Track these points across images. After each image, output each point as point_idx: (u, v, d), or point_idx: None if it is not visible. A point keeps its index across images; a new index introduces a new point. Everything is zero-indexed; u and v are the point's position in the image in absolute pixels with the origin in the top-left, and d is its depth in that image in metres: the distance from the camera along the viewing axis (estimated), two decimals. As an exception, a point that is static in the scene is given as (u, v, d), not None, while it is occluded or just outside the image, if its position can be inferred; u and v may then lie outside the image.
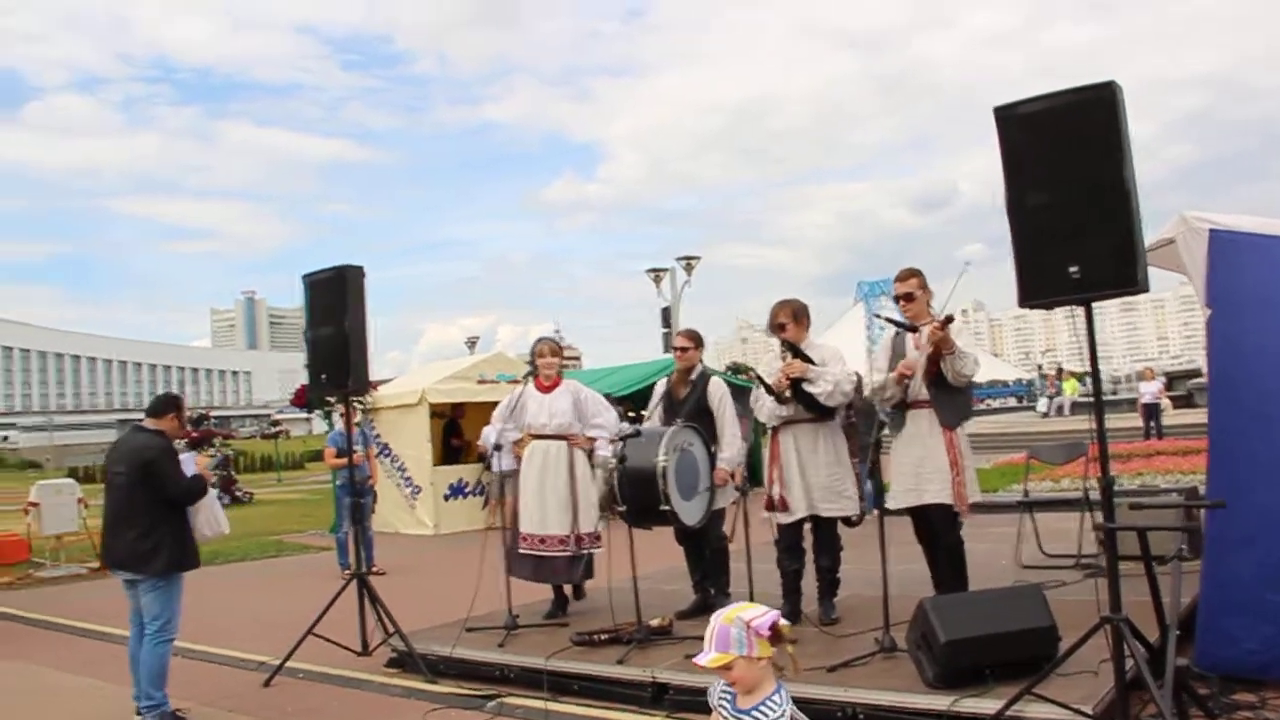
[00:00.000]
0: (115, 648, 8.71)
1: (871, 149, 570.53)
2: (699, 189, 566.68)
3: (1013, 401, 56.31)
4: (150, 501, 6.28)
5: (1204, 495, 5.93)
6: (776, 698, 3.03)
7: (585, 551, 7.39)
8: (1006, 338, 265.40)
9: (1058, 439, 15.30)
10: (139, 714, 6.25)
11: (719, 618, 3.03)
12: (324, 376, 7.51)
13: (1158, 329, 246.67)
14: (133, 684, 6.38)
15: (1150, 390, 24.76)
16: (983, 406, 52.34)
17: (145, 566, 6.32)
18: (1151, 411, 24.19)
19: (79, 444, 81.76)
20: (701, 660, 3.02)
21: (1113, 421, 25.73)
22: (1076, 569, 7.65)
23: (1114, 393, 40.31)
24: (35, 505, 14.32)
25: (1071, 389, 35.84)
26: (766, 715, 3.00)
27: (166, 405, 6.61)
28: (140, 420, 6.64)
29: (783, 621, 3.02)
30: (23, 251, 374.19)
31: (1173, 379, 31.88)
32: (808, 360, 6.50)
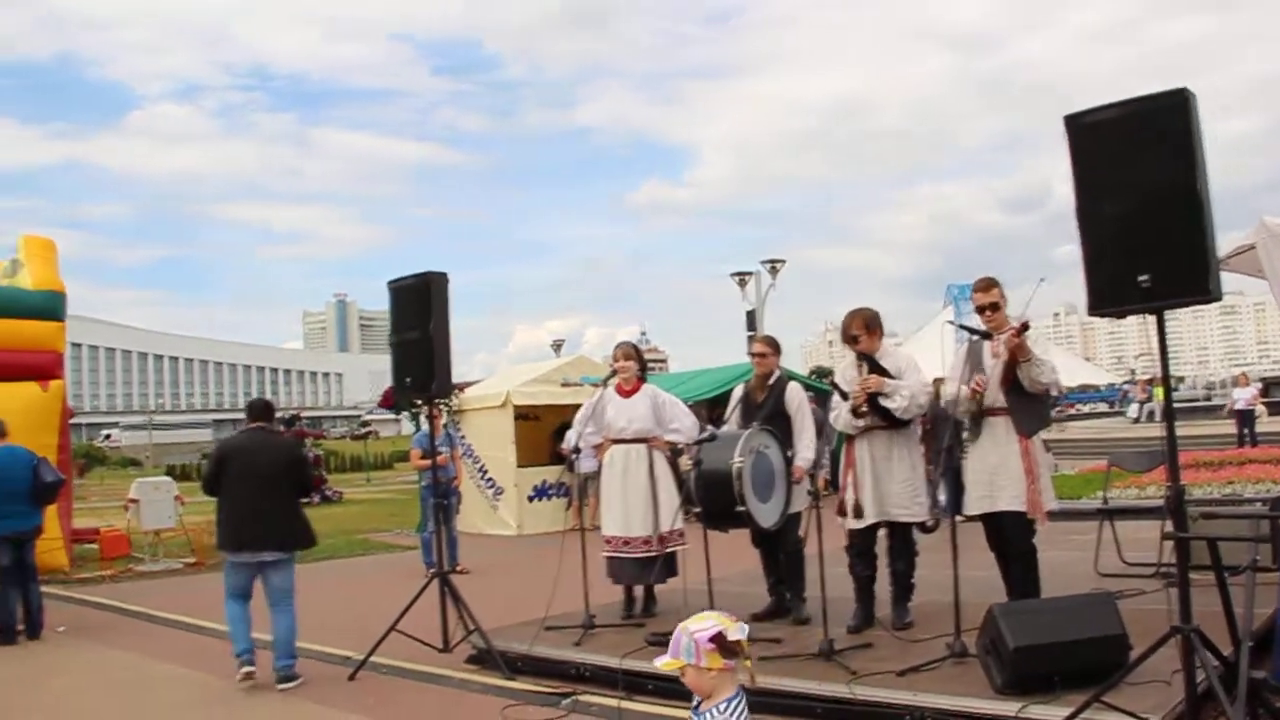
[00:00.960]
0: (209, 640, 9.05)
1: (965, 150, 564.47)
2: (789, 191, 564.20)
3: (1103, 407, 55.28)
4: (292, 491, 7.58)
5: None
6: (723, 705, 3.18)
7: (669, 550, 7.49)
8: (1099, 341, 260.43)
9: (1142, 446, 15.05)
10: (246, 664, 7.22)
11: (680, 625, 3.20)
12: (408, 380, 7.71)
13: (1259, 333, 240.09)
14: (236, 641, 7.31)
15: (1244, 396, 24.21)
16: (1072, 411, 51.51)
17: (287, 546, 7.46)
18: (1245, 418, 23.65)
19: (177, 443, 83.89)
20: (657, 663, 3.25)
21: (1206, 428, 25.28)
22: (1156, 578, 7.56)
23: (1208, 398, 39.50)
24: (135, 502, 14.81)
25: (1161, 395, 35.17)
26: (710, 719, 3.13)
27: (271, 409, 8.00)
28: (239, 420, 7.41)
29: (734, 635, 3.14)
30: (128, 256, 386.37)
31: (1269, 385, 31.13)
32: (884, 373, 6.54)
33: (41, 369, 13.65)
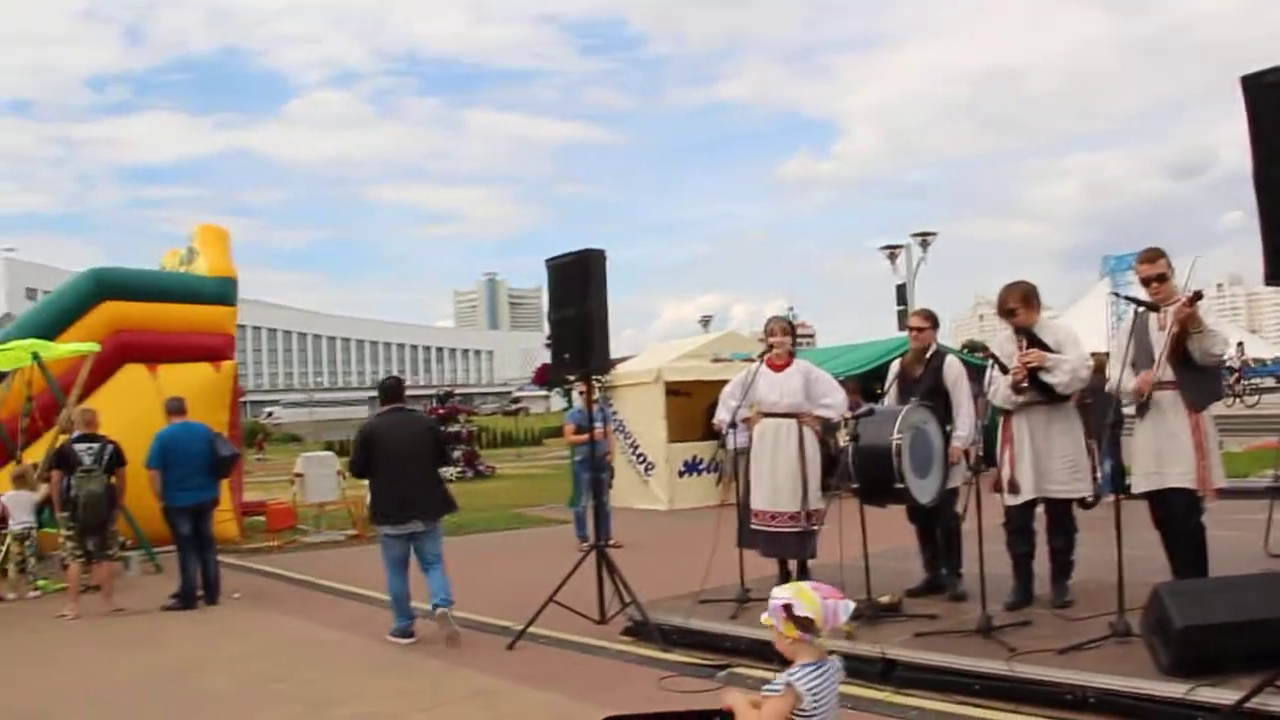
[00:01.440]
0: (371, 608, 9.39)
1: (1123, 115, 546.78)
2: (938, 162, 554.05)
3: (1270, 382, 52.91)
4: (434, 464, 8.42)
5: None
6: (796, 670, 3.26)
7: (815, 527, 7.50)
8: (1266, 313, 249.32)
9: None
10: (407, 635, 7.93)
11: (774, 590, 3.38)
12: (566, 356, 7.85)
13: None
14: (399, 616, 8.01)
15: None
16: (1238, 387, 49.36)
17: (436, 515, 8.22)
18: None
19: (335, 419, 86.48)
20: (761, 618, 3.40)
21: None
22: (1333, 559, 7.29)
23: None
24: (300, 476, 15.42)
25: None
26: (775, 682, 3.27)
27: (402, 387, 8.57)
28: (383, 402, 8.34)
29: (802, 611, 3.23)
30: (288, 239, 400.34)
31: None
32: (1044, 347, 6.43)
33: (215, 350, 14.33)
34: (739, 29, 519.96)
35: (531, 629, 7.56)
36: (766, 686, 3.32)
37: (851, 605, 3.33)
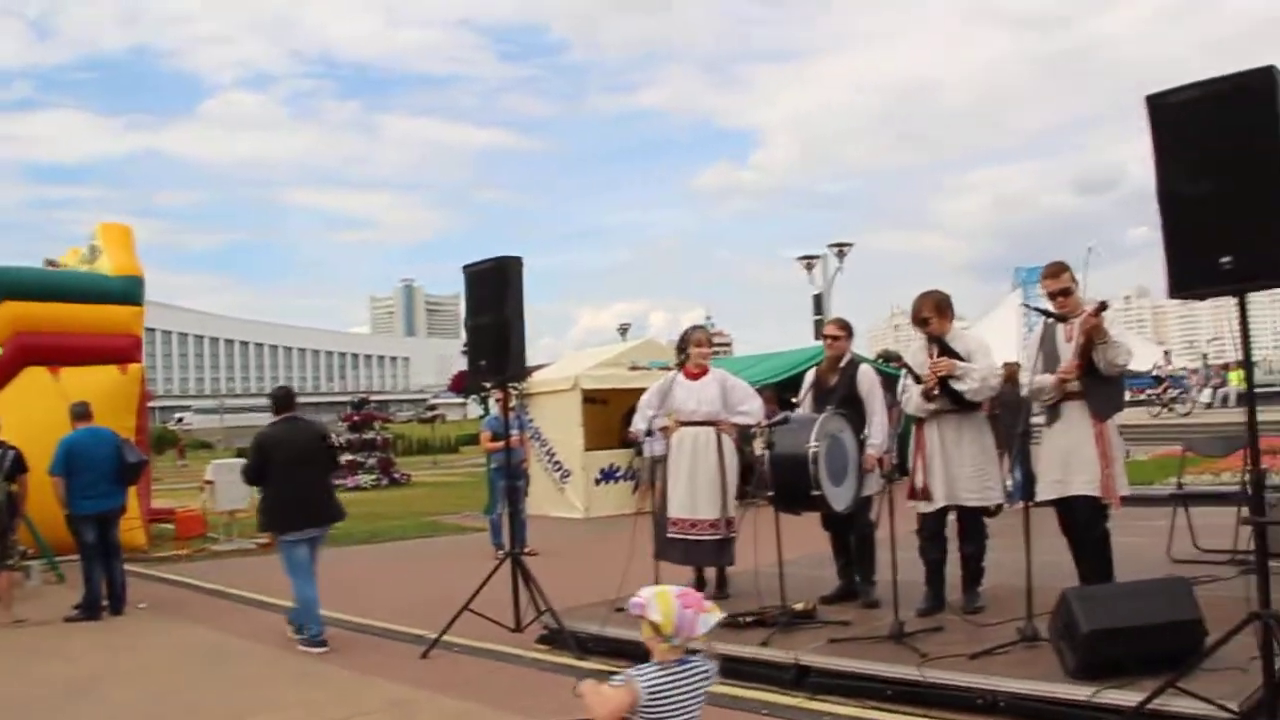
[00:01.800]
0: (280, 618, 9.22)
1: (1034, 131, 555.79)
2: (854, 174, 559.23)
3: (1175, 392, 54.16)
4: (327, 472, 8.51)
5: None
6: (644, 668, 3.28)
7: (734, 535, 7.53)
8: (1171, 326, 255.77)
9: (1218, 431, 14.83)
10: (321, 644, 7.82)
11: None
12: (483, 364, 7.80)
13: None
14: (312, 624, 7.93)
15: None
16: (1141, 397, 50.59)
17: (330, 521, 8.32)
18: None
19: (247, 425, 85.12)
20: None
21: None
22: (1231, 565, 7.48)
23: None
24: (210, 483, 15.08)
25: (1237, 379, 34.50)
26: (619, 676, 3.29)
27: (293, 396, 8.62)
28: (307, 405, 7.58)
29: (655, 617, 3.24)
30: (200, 242, 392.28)
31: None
32: (955, 356, 6.53)
33: (121, 353, 13.97)
34: (659, 38, 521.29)
35: (446, 637, 7.49)
36: (614, 678, 3.30)
37: (714, 619, 3.31)
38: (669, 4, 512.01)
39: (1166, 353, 40.68)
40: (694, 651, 3.34)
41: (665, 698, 3.23)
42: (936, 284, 6.74)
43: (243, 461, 16.66)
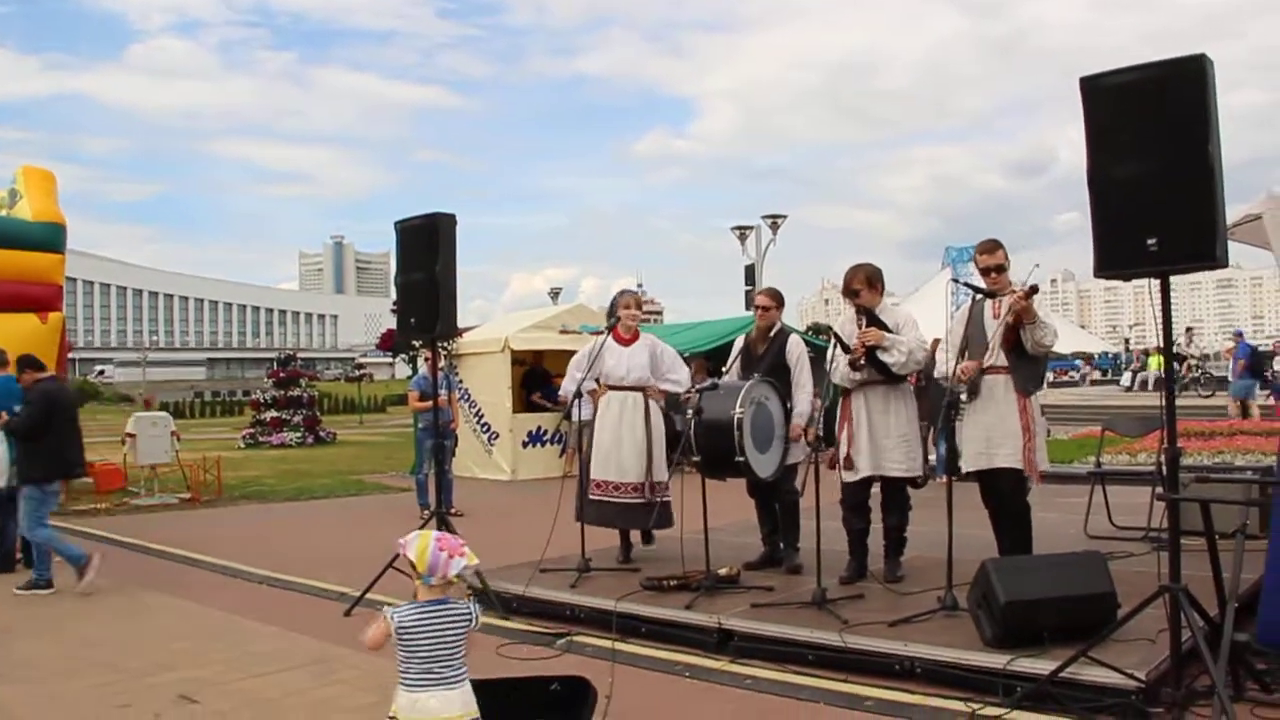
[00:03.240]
0: (204, 574, 9.18)
1: (973, 113, 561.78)
2: (792, 147, 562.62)
3: (1097, 375, 55.46)
4: None
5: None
6: (401, 605, 3.64)
7: (658, 499, 7.56)
8: (1095, 310, 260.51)
9: (1137, 412, 15.14)
10: (89, 567, 8.40)
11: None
12: (413, 321, 7.73)
13: (1253, 307, 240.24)
14: (76, 556, 8.47)
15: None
16: (1065, 379, 51.74)
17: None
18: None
19: (170, 380, 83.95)
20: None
21: (1198, 399, 25.35)
22: (1145, 541, 7.66)
23: (1201, 369, 39.52)
24: (132, 436, 14.85)
25: (1157, 364, 35.24)
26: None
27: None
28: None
29: (410, 555, 3.59)
30: (124, 191, 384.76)
31: (1261, 358, 31.03)
32: (883, 327, 6.60)
33: (41, 301, 13.62)
34: (600, 3, 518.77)
35: (370, 595, 7.43)
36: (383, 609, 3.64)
37: (464, 562, 3.60)
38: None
39: (1189, 330, 41.00)
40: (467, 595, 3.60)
41: (415, 633, 3.54)
42: (870, 260, 6.80)
43: (165, 415, 16.59)
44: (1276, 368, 23.11)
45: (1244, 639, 4.92)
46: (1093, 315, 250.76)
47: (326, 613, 7.52)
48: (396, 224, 7.81)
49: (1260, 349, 28.57)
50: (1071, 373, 53.25)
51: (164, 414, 17.20)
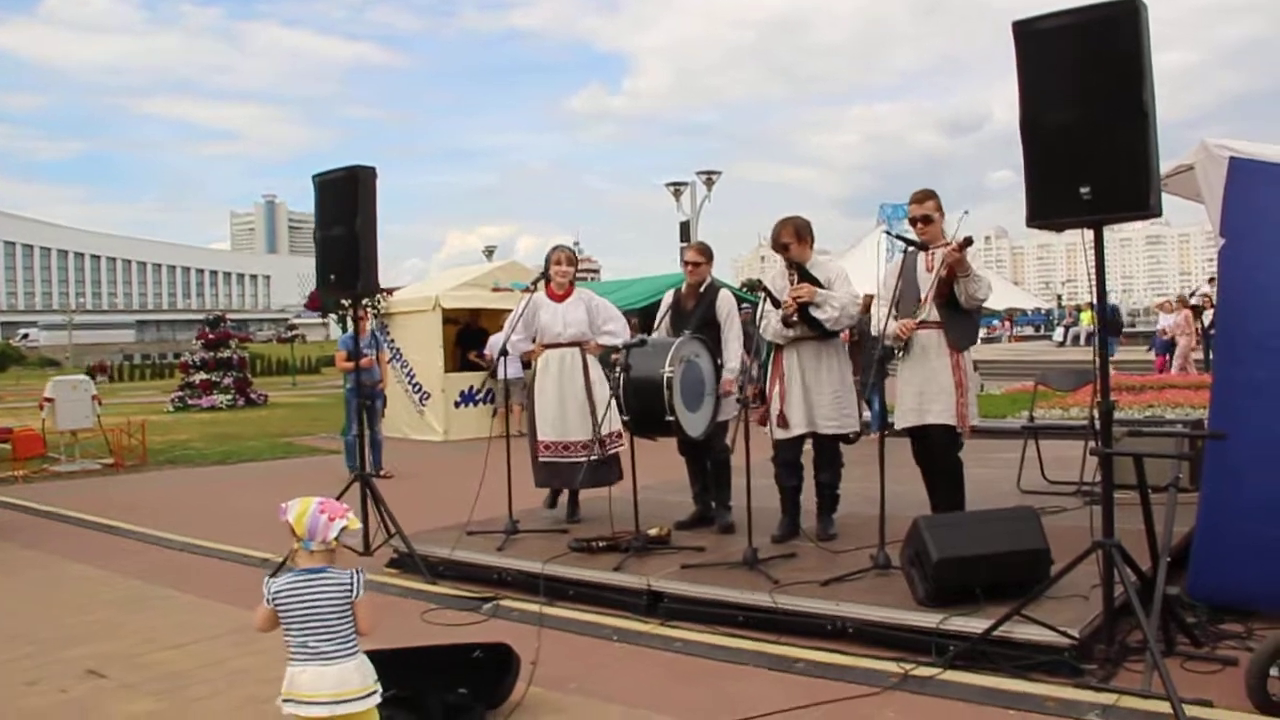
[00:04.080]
0: (121, 540, 8.93)
1: (906, 71, 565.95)
2: (727, 104, 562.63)
3: (1029, 330, 56.14)
4: None
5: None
6: (280, 574, 3.55)
7: (610, 452, 7.42)
8: (1029, 266, 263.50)
9: (1069, 367, 15.25)
10: None
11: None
12: (333, 277, 7.49)
13: (1181, 263, 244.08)
14: None
15: (1168, 322, 24.47)
16: (995, 334, 52.33)
17: None
18: (1168, 345, 23.94)
19: (98, 343, 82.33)
20: None
21: (1129, 354, 25.66)
22: (1078, 495, 7.66)
23: (1132, 325, 40.10)
24: (50, 401, 14.42)
25: (1089, 319, 35.65)
26: None
27: None
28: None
29: (288, 518, 3.50)
30: (47, 150, 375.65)
31: (1118, 317, 31.49)
32: (815, 283, 6.47)
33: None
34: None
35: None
36: None
37: (343, 524, 3.48)
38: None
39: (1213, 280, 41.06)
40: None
41: (289, 603, 3.41)
42: (806, 216, 6.64)
43: (85, 379, 16.14)
44: (1206, 323, 23.38)
45: (1175, 592, 4.90)
46: (1026, 272, 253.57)
47: (248, 579, 7.28)
48: (315, 177, 7.55)
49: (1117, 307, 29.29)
50: (997, 326, 53.98)
51: (85, 377, 16.74)
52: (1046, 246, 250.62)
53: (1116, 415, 9.31)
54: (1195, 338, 22.45)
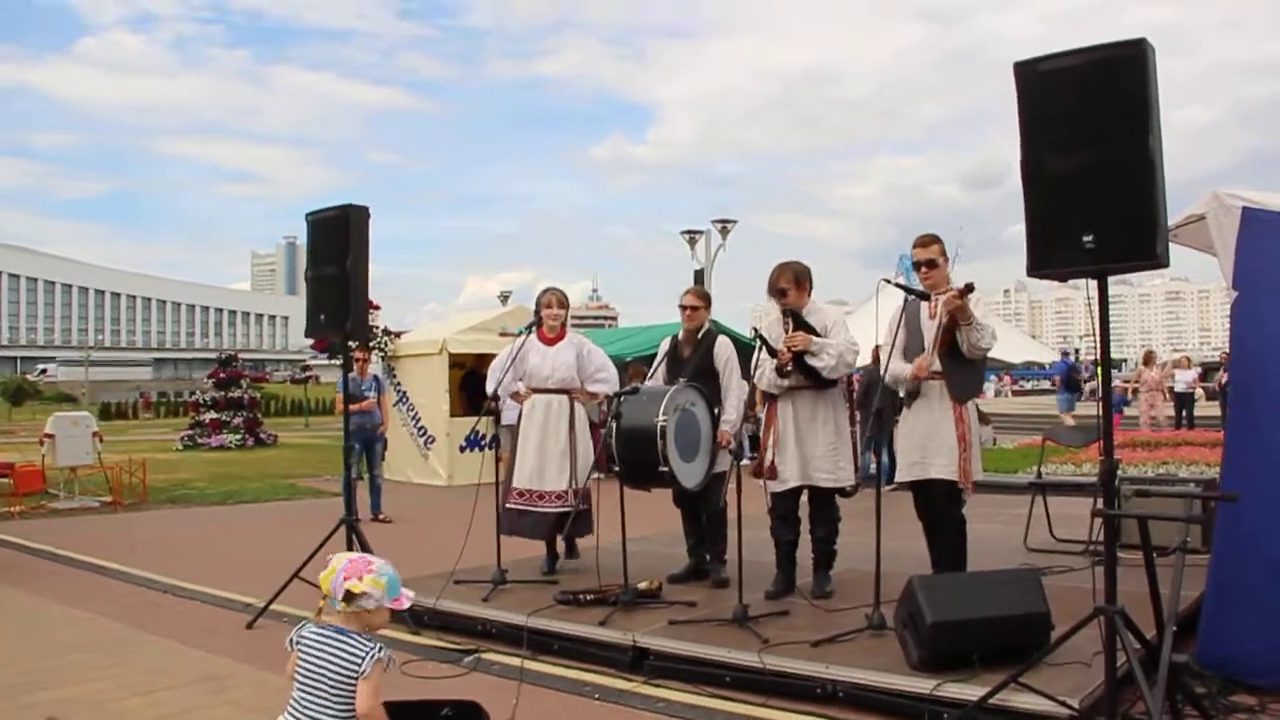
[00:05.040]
0: (110, 581, 8.75)
1: (930, 124, 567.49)
2: (750, 156, 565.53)
3: (1047, 385, 55.72)
4: None
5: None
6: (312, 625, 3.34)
7: (583, 507, 7.24)
8: (1047, 320, 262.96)
9: (1081, 422, 15.00)
10: None
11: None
12: (323, 318, 7.34)
13: (1201, 319, 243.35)
14: None
15: (1185, 379, 24.25)
16: (1015, 387, 51.96)
17: None
18: (1184, 401, 23.71)
19: (115, 380, 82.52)
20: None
21: (1087, 409, 25.41)
22: (1085, 555, 7.42)
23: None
24: (50, 437, 14.33)
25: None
26: None
27: None
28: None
29: (321, 578, 3.35)
30: (75, 188, 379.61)
31: (1208, 370, 31.20)
32: (811, 330, 6.28)
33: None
34: (562, 7, 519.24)
35: (276, 606, 7.07)
36: None
37: (347, 586, 3.27)
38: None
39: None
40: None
41: (305, 651, 3.24)
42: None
43: (86, 415, 16.04)
44: (1223, 379, 23.21)
45: (1183, 660, 4.67)
46: (1044, 326, 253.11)
47: (229, 625, 7.14)
48: (307, 216, 7.42)
49: (1078, 365, 29.73)
50: (993, 380, 53.66)
51: (86, 414, 16.64)
52: (1065, 300, 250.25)
53: (1130, 472, 9.10)
54: (1163, 395, 23.33)
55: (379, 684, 3.25)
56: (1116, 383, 24.30)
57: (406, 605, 3.45)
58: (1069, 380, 25.52)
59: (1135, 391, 23.97)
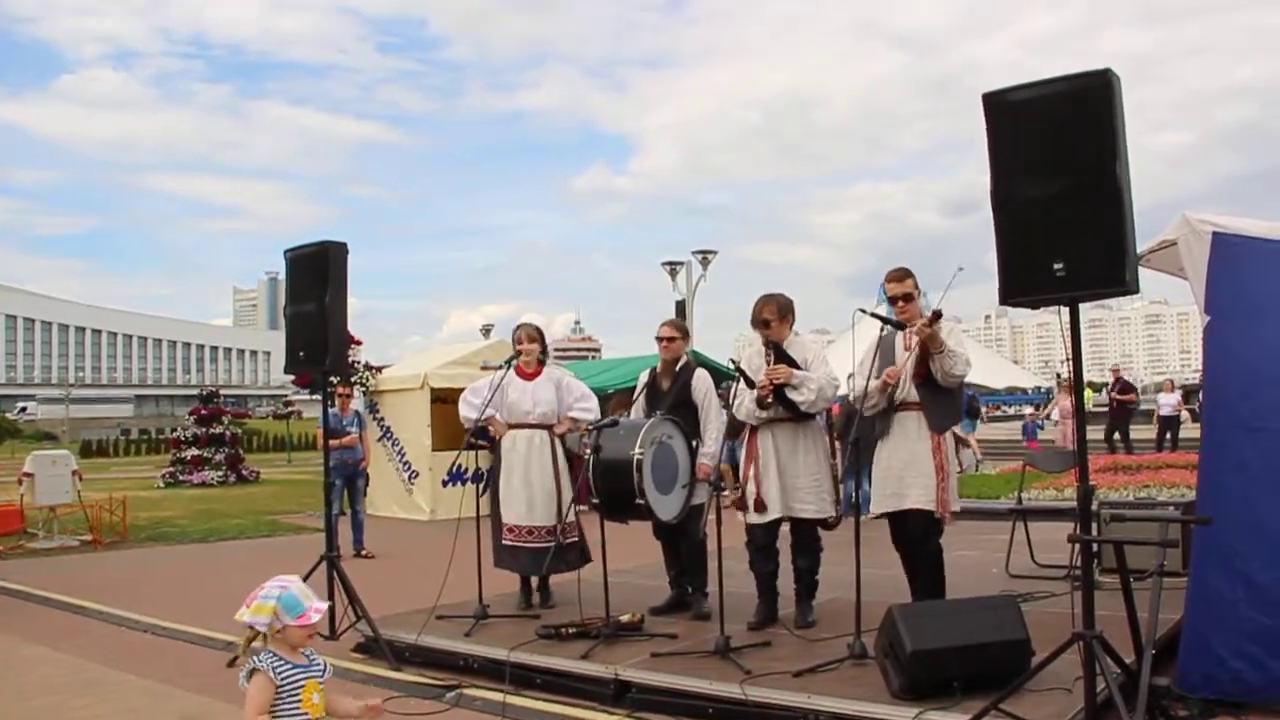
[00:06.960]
0: (89, 621, 8.68)
1: (910, 151, 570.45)
2: (732, 184, 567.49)
3: (1029, 410, 55.86)
4: None
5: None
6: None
7: (571, 540, 7.24)
8: (1028, 345, 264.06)
9: (1058, 448, 15.05)
10: None
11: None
12: (301, 354, 7.34)
13: (1180, 342, 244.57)
14: None
15: (1169, 402, 24.34)
16: (998, 413, 52.08)
17: None
18: (1169, 424, 23.80)
19: (96, 418, 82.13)
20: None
21: (1131, 432, 25.43)
22: (1067, 580, 7.42)
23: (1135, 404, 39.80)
24: (30, 476, 14.21)
25: (1087, 398, 35.43)
26: None
27: None
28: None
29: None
30: (56, 224, 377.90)
31: (1189, 392, 31.35)
32: (791, 363, 6.30)
33: None
34: (542, 39, 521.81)
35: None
36: None
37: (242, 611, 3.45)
38: (555, 5, 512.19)
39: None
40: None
41: (282, 686, 3.39)
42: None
43: (65, 453, 15.93)
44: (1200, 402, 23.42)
45: (1164, 683, 4.69)
46: (1026, 350, 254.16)
47: (209, 663, 7.06)
48: (286, 253, 7.44)
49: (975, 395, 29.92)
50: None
51: (65, 452, 16.52)
52: (1046, 325, 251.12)
53: (1110, 496, 9.13)
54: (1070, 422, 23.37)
55: (255, 692, 3.38)
56: (1028, 410, 24.70)
57: (316, 619, 3.49)
58: (969, 408, 25.63)
59: (1049, 417, 24.16)
